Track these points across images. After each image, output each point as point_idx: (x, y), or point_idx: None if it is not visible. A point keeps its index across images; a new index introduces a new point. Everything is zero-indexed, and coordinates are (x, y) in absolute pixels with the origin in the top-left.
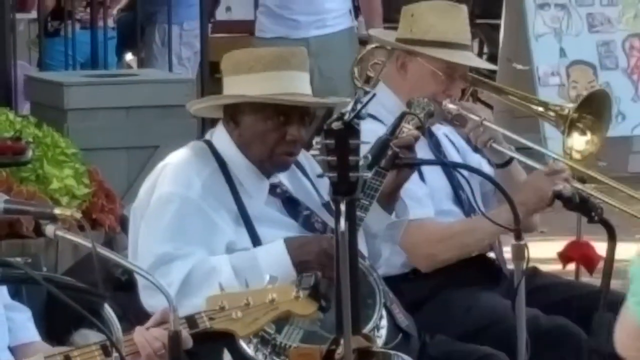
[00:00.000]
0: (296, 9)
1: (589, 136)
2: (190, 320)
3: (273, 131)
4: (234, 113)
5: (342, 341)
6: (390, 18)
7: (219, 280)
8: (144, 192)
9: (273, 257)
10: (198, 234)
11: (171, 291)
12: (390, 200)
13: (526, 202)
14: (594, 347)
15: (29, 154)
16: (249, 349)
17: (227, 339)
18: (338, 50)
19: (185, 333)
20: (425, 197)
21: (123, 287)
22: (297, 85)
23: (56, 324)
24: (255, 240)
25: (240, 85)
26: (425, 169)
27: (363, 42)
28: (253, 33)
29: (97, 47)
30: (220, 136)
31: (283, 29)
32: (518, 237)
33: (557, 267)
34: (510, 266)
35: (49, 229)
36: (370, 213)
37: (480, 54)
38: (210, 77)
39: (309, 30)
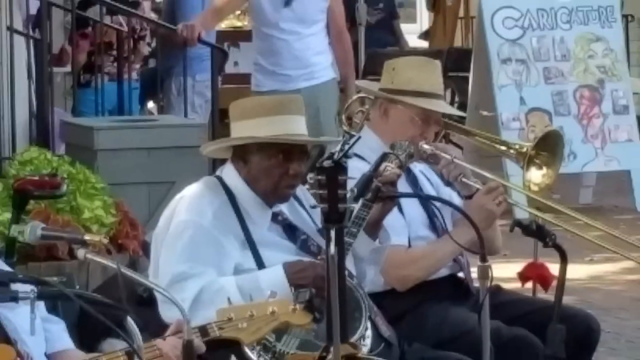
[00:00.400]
0: (286, 65)
1: (544, 170)
2: (202, 330)
3: (277, 167)
4: (242, 153)
5: (332, 349)
6: (374, 71)
7: (229, 296)
8: (163, 221)
9: (273, 281)
10: (209, 257)
11: (185, 305)
12: (375, 228)
13: (478, 221)
14: (549, 354)
15: (64, 188)
16: (252, 355)
17: (234, 346)
18: (324, 98)
19: (199, 341)
20: (402, 227)
21: (144, 302)
22: (296, 127)
23: (87, 334)
24: (259, 262)
25: (246, 128)
26: (404, 201)
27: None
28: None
29: (122, 96)
30: (229, 172)
31: (277, 83)
32: (483, 259)
33: (517, 285)
34: (477, 284)
35: (81, 253)
36: (358, 239)
37: (452, 103)
38: (220, 122)
39: (299, 83)
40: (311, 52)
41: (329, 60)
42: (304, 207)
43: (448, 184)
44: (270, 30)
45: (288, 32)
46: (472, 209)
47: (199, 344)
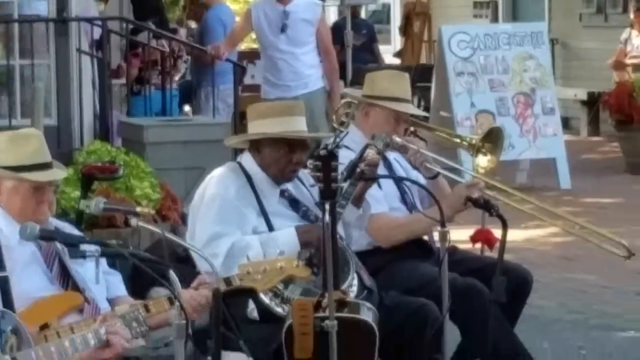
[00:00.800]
0: (286, 78)
1: (489, 157)
2: (227, 280)
3: (284, 156)
4: (257, 145)
5: (327, 295)
6: (358, 82)
7: (251, 251)
8: (197, 196)
9: (287, 239)
10: (235, 221)
11: (220, 257)
12: (359, 201)
13: (453, 204)
14: (493, 298)
15: (120, 172)
16: (265, 300)
17: (251, 293)
18: (316, 102)
19: (207, 292)
20: (382, 198)
21: (182, 260)
22: (298, 126)
23: (138, 284)
24: (270, 227)
25: (260, 126)
26: (382, 180)
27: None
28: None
29: (165, 102)
30: (247, 159)
31: (279, 92)
32: (443, 225)
33: (468, 246)
34: (438, 245)
35: (134, 221)
36: (346, 209)
37: (418, 106)
38: (240, 121)
39: (296, 91)
40: (305, 67)
41: (320, 73)
42: (305, 186)
43: (415, 168)
44: (272, 51)
45: (285, 53)
46: (454, 195)
47: (203, 297)
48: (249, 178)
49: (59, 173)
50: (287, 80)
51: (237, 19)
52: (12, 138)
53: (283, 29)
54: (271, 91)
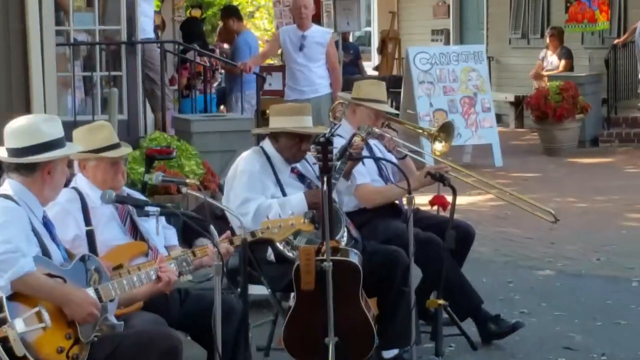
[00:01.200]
0: (302, 84)
1: (443, 144)
2: (252, 233)
3: (295, 145)
4: (275, 135)
5: (324, 243)
6: (347, 89)
7: (271, 212)
8: (231, 172)
9: (298, 201)
10: (259, 189)
11: (249, 215)
12: (348, 175)
13: (420, 179)
14: (446, 247)
15: (174, 154)
16: (280, 247)
17: (270, 242)
18: (323, 104)
19: (229, 245)
20: (366, 173)
21: (219, 218)
22: (307, 123)
23: (186, 236)
24: (284, 194)
25: (279, 121)
26: (365, 160)
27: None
28: (282, 96)
29: (206, 103)
30: (267, 145)
31: (296, 95)
32: (409, 193)
33: (428, 208)
34: (405, 207)
35: (184, 190)
36: (339, 182)
37: (391, 106)
38: (261, 117)
39: (309, 95)
40: (316, 77)
41: (327, 82)
42: (309, 164)
43: (389, 151)
44: (292, 65)
45: (302, 66)
46: (422, 173)
47: (231, 248)
48: (268, 158)
49: (126, 150)
50: (302, 86)
51: (259, 42)
52: (89, 129)
53: (301, 49)
54: (290, 94)
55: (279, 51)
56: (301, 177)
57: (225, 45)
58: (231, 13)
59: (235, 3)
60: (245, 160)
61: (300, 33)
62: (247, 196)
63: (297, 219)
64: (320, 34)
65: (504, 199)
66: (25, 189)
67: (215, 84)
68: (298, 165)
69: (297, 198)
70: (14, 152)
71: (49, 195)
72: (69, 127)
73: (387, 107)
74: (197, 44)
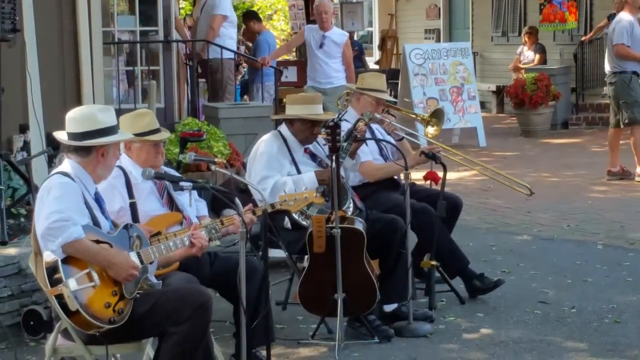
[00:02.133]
0: (320, 76)
1: (435, 127)
2: (272, 205)
3: (308, 129)
4: (291, 121)
5: (333, 212)
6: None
7: (287, 187)
8: (252, 152)
9: (310, 178)
10: (276, 167)
11: (267, 191)
12: (353, 154)
13: (415, 158)
14: (437, 215)
15: (204, 137)
16: (295, 216)
17: (287, 212)
18: (338, 94)
19: (253, 216)
20: (368, 152)
21: (243, 191)
22: (318, 110)
23: (215, 207)
24: (298, 171)
25: (294, 109)
26: (368, 141)
27: None
28: (297, 86)
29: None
30: (284, 129)
31: (315, 84)
32: (406, 170)
33: (422, 182)
34: (403, 182)
35: (213, 167)
36: (345, 160)
37: (390, 95)
38: (278, 105)
39: (326, 85)
40: (332, 71)
41: (343, 76)
42: (320, 145)
43: (388, 134)
44: (314, 59)
45: (322, 60)
46: (416, 152)
47: (253, 217)
48: (285, 140)
49: (165, 134)
50: (321, 78)
51: (277, 40)
52: (134, 115)
53: (321, 46)
54: (310, 83)
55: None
56: (313, 157)
57: (249, 43)
58: (251, 16)
59: (255, 7)
60: (265, 143)
61: (322, 33)
62: (266, 174)
63: (310, 193)
64: (338, 36)
65: (486, 175)
66: (81, 168)
67: (239, 77)
68: (310, 146)
69: (309, 176)
70: (74, 136)
71: (102, 174)
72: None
73: (386, 96)
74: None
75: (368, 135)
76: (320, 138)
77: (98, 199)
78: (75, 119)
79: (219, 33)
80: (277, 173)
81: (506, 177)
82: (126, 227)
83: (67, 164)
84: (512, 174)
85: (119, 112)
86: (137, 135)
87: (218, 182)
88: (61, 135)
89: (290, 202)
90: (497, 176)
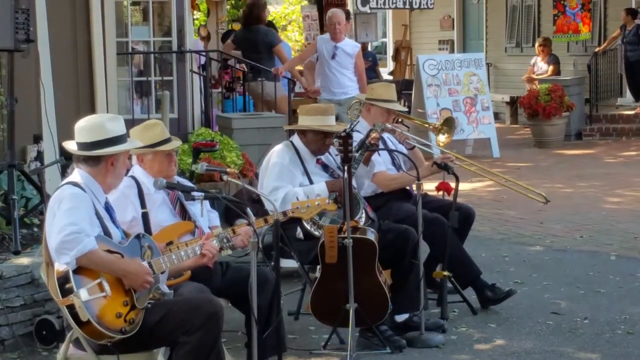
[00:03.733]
0: (334, 87)
1: (446, 136)
2: (284, 213)
3: (321, 140)
4: (304, 132)
5: (345, 223)
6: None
7: (299, 197)
8: (265, 162)
9: (320, 188)
10: (288, 178)
11: (278, 202)
12: (367, 161)
13: (428, 168)
14: (450, 225)
15: (217, 147)
16: (307, 226)
17: (299, 221)
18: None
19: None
20: (381, 162)
21: (256, 202)
22: (331, 122)
23: (228, 217)
24: (310, 182)
25: (307, 120)
26: (380, 151)
27: None
28: (309, 97)
29: (245, 103)
30: (296, 139)
31: (330, 96)
32: (418, 180)
33: (434, 193)
34: (415, 192)
35: (225, 178)
36: (358, 169)
37: (404, 105)
38: (292, 115)
39: (340, 96)
40: (346, 80)
41: (356, 86)
42: (332, 155)
43: (400, 143)
44: (326, 69)
45: (335, 70)
46: (429, 162)
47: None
48: (297, 151)
49: (177, 143)
50: (335, 88)
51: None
52: (144, 127)
53: (333, 57)
54: (325, 94)
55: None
56: (325, 167)
57: None
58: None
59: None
60: (277, 154)
61: (334, 44)
62: (277, 185)
63: (322, 200)
64: (350, 47)
65: (501, 184)
66: (91, 178)
67: None
68: (322, 157)
69: (319, 186)
70: (83, 146)
71: (112, 183)
72: (128, 124)
73: (397, 106)
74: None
75: (380, 145)
76: (333, 148)
77: (108, 208)
78: (85, 128)
79: None
80: (289, 184)
81: (522, 185)
82: (138, 237)
83: (77, 173)
84: (527, 184)
85: (133, 122)
86: (148, 147)
87: (231, 193)
88: (71, 146)
89: (302, 210)
90: (512, 185)
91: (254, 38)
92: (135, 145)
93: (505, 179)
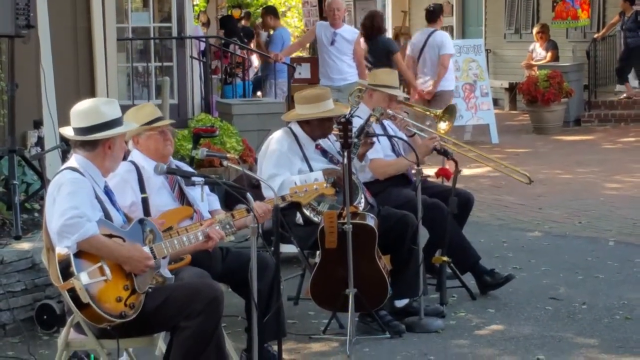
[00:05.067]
0: (332, 73)
1: (447, 123)
2: (282, 197)
3: (321, 124)
4: (306, 121)
5: (345, 208)
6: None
7: (295, 184)
8: (263, 148)
9: (318, 177)
10: (285, 166)
11: (276, 188)
12: (362, 156)
13: (424, 152)
14: (449, 211)
15: (217, 132)
16: (307, 212)
17: (298, 208)
18: (351, 90)
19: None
20: (380, 149)
21: (255, 187)
22: (328, 106)
23: (227, 202)
24: (310, 168)
25: (304, 109)
26: (380, 138)
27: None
28: (311, 83)
29: (245, 89)
30: (294, 126)
31: (329, 82)
32: (418, 165)
33: (434, 178)
34: (414, 177)
35: (225, 163)
36: (354, 161)
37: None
38: (291, 101)
39: (339, 82)
40: (345, 66)
41: (355, 72)
42: (331, 141)
43: (400, 130)
44: (326, 55)
45: (334, 57)
46: (421, 146)
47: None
48: (295, 137)
49: (169, 120)
50: (334, 75)
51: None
52: (136, 109)
53: (332, 43)
54: (324, 81)
55: (308, 45)
56: (324, 153)
57: (263, 32)
58: (269, 11)
59: (269, 4)
60: (275, 140)
61: (333, 30)
62: (275, 172)
63: (320, 184)
64: (349, 33)
65: (499, 170)
66: (89, 162)
67: (252, 74)
68: (321, 142)
69: (317, 174)
70: (79, 131)
71: (110, 166)
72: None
73: (398, 92)
74: (234, 38)
75: (379, 130)
76: (331, 134)
77: (108, 192)
78: (80, 113)
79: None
80: (287, 171)
81: (507, 166)
82: (140, 221)
83: (74, 159)
84: (525, 170)
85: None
86: (141, 126)
87: (231, 178)
88: (67, 131)
89: (300, 194)
90: (497, 166)
91: (376, 47)
92: (131, 128)
93: (503, 164)
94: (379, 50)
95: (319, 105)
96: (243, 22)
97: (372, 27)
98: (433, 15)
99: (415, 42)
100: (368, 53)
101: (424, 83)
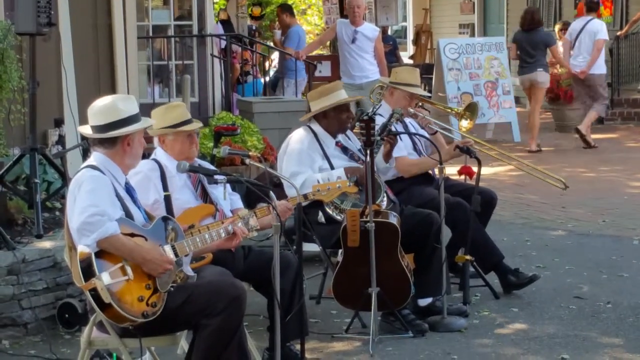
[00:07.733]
0: (354, 71)
1: (469, 121)
2: (305, 195)
3: (340, 116)
4: (322, 115)
5: (368, 206)
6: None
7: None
8: (284, 146)
9: (339, 174)
10: (307, 163)
11: (298, 187)
12: (387, 159)
13: (449, 152)
14: (472, 209)
15: (239, 131)
16: (329, 210)
17: (321, 206)
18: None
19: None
20: (403, 147)
21: (277, 185)
22: (343, 95)
23: (249, 200)
24: (331, 165)
25: (318, 104)
26: (402, 135)
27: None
28: (331, 81)
29: (264, 87)
30: (314, 124)
31: (350, 80)
32: (440, 164)
33: (456, 177)
34: (437, 176)
35: (247, 161)
36: (378, 164)
37: (424, 89)
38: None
39: (361, 80)
40: (367, 64)
41: (377, 69)
42: (350, 139)
43: (422, 128)
44: (347, 53)
45: (355, 54)
46: (450, 146)
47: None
48: (315, 135)
49: (198, 124)
50: (355, 72)
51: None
52: (166, 108)
53: (353, 41)
54: (345, 78)
55: (328, 42)
56: (345, 150)
57: (277, 30)
58: (285, 9)
59: (290, 2)
60: (295, 138)
61: (353, 28)
62: (296, 170)
63: (343, 182)
64: (370, 30)
65: (522, 169)
66: (109, 160)
67: (272, 72)
68: (341, 139)
69: (338, 172)
70: (97, 128)
71: (130, 163)
72: (149, 108)
73: (420, 90)
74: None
75: (401, 128)
76: (351, 133)
77: (129, 190)
78: (97, 111)
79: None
80: (308, 169)
81: (542, 171)
82: (163, 219)
83: (93, 157)
84: (547, 169)
85: (154, 106)
86: (169, 127)
87: (252, 176)
88: (85, 129)
89: (323, 192)
90: (532, 170)
91: (534, 38)
92: (149, 124)
93: (525, 164)
94: (538, 41)
95: (330, 97)
96: (249, 21)
97: (532, 20)
98: (593, 5)
99: (574, 27)
100: (527, 44)
101: (577, 65)
